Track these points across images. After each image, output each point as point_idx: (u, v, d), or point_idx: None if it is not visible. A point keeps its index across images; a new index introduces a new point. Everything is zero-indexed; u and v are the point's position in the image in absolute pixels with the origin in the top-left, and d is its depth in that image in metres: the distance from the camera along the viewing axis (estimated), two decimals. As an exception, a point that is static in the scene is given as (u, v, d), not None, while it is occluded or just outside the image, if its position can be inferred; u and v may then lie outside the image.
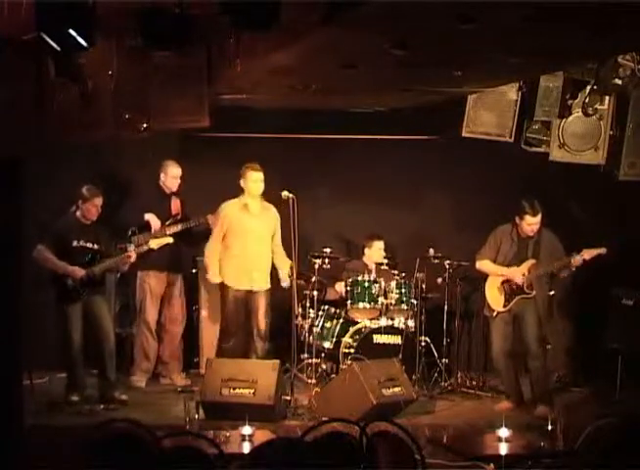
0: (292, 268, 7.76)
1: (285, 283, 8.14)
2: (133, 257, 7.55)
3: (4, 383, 6.18)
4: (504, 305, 7.59)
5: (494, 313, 7.63)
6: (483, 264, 7.73)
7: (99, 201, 7.45)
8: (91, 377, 7.65)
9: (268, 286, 8.12)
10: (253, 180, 7.96)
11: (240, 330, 8.13)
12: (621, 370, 7.93)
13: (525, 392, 7.70)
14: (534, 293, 7.50)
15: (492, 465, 5.16)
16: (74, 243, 7.36)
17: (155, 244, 7.80)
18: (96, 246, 7.43)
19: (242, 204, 8.05)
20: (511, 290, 7.56)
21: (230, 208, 8.07)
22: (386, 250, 8.69)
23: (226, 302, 8.09)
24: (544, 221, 7.53)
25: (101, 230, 7.54)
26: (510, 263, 7.61)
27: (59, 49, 5.33)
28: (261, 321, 8.06)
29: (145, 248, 7.73)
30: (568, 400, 7.71)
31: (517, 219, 7.54)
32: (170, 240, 7.94)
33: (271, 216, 8.12)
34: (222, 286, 8.13)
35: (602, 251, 7.42)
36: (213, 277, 8.11)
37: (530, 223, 7.46)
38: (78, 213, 7.45)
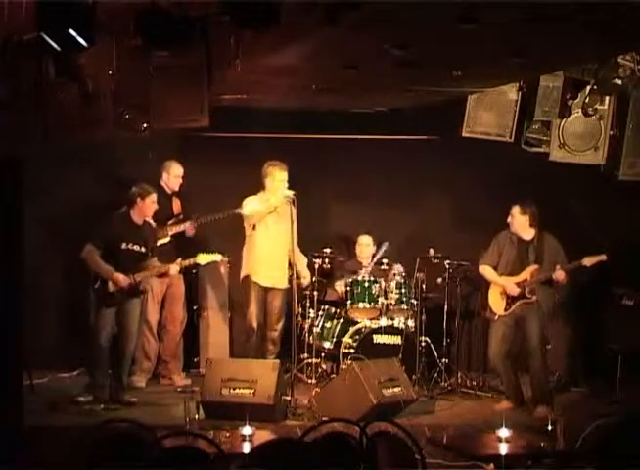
0: (292, 268, 7.74)
1: (305, 280, 8.08)
2: (174, 271, 7.53)
3: (4, 383, 6.19)
4: (505, 310, 7.61)
5: (496, 317, 7.66)
6: (484, 270, 7.78)
7: (154, 197, 7.45)
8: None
9: (287, 284, 8.01)
10: (280, 180, 7.87)
11: (259, 329, 8.10)
12: (621, 370, 7.93)
13: (525, 392, 7.71)
14: (535, 297, 7.51)
15: (492, 465, 5.17)
16: (123, 245, 7.33)
17: (202, 260, 7.59)
18: (143, 249, 7.42)
19: (266, 200, 7.96)
20: (512, 295, 7.59)
21: (254, 204, 7.96)
22: (381, 248, 8.70)
23: (250, 298, 8.00)
24: (542, 225, 7.57)
25: (149, 231, 7.54)
26: (512, 268, 7.63)
27: (59, 49, 5.33)
28: (276, 322, 7.99)
29: (192, 262, 7.61)
30: (568, 400, 7.71)
31: (508, 219, 7.60)
32: (219, 258, 7.74)
33: (289, 214, 7.89)
34: (247, 282, 8.04)
35: (602, 258, 7.44)
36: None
37: (516, 220, 7.53)
38: (132, 213, 7.42)
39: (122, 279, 7.25)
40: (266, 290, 8.05)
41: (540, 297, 7.54)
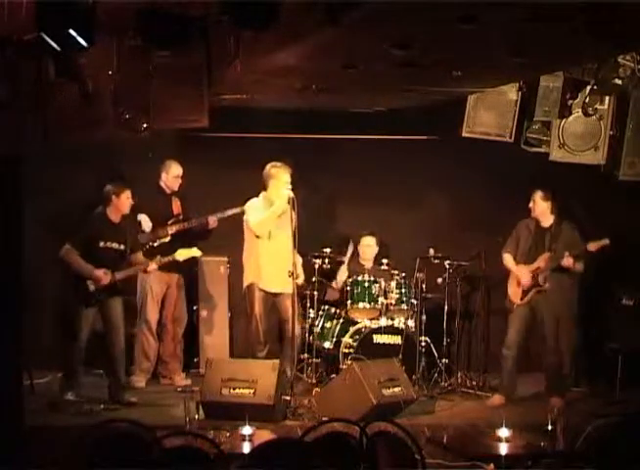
0: (294, 266, 7.66)
1: (299, 279, 7.83)
2: (153, 268, 7.56)
3: (4, 383, 6.18)
4: (521, 298, 7.70)
5: (514, 306, 7.76)
6: (505, 259, 7.90)
7: (129, 193, 7.46)
8: (95, 377, 7.69)
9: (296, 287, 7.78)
10: (283, 181, 7.72)
11: (272, 336, 8.00)
12: (621, 370, 7.94)
13: (519, 389, 7.82)
14: (547, 285, 7.56)
15: (492, 465, 5.18)
16: (101, 244, 7.35)
17: (181, 256, 7.67)
18: (122, 246, 7.44)
19: (268, 203, 7.85)
20: (525, 284, 7.67)
21: (257, 207, 7.87)
22: (384, 249, 8.69)
23: (255, 306, 7.84)
24: (562, 213, 7.72)
25: (128, 229, 7.55)
26: (527, 255, 7.75)
27: (59, 49, 5.33)
28: (293, 326, 7.73)
29: (171, 259, 7.66)
30: (568, 400, 7.71)
31: (530, 204, 7.73)
32: (198, 253, 7.80)
33: (289, 215, 7.81)
34: (251, 289, 7.89)
35: (606, 242, 7.48)
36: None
37: (538, 205, 7.66)
38: (108, 211, 7.44)
39: (103, 276, 7.26)
40: (275, 295, 7.92)
41: (552, 287, 7.59)
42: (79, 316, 7.31)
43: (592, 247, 7.52)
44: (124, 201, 7.45)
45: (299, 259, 7.98)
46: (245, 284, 7.97)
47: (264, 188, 7.95)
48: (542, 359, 7.84)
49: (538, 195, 7.72)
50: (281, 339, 8.01)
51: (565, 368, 7.84)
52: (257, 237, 7.84)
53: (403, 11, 4.81)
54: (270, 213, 7.76)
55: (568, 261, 7.50)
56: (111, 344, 7.44)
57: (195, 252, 7.79)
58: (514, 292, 7.80)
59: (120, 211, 7.47)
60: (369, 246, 8.64)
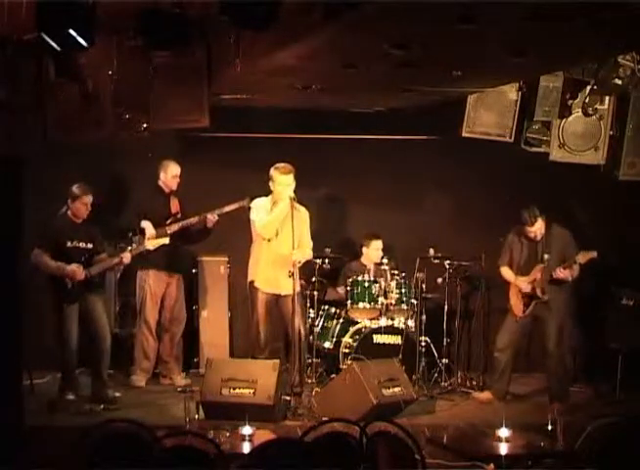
0: (294, 266, 7.62)
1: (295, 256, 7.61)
2: (128, 259, 7.57)
3: (4, 383, 6.18)
4: (524, 311, 7.67)
5: (517, 318, 7.71)
6: (503, 271, 7.86)
7: (88, 199, 7.43)
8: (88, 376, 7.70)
9: (298, 289, 7.67)
10: (282, 184, 7.63)
11: (274, 339, 7.96)
12: (621, 370, 7.94)
13: (520, 389, 7.83)
14: (546, 297, 7.54)
15: (492, 465, 5.18)
16: (69, 244, 7.35)
17: (151, 244, 7.75)
18: (90, 245, 7.44)
19: (271, 204, 7.78)
20: (527, 295, 7.65)
21: (261, 206, 7.80)
22: (384, 249, 8.69)
23: (257, 307, 7.77)
24: (551, 219, 7.61)
25: (93, 229, 7.54)
26: (523, 268, 7.71)
27: (59, 49, 5.34)
28: (300, 328, 7.67)
29: (142, 249, 7.70)
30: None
31: (533, 231, 7.60)
32: (167, 241, 7.86)
33: (300, 218, 7.80)
34: (252, 289, 7.84)
35: (593, 254, 7.44)
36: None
37: (531, 231, 7.58)
38: (69, 213, 7.44)
39: (77, 270, 7.26)
40: (278, 297, 7.83)
41: (552, 296, 7.57)
42: (64, 317, 7.31)
43: (581, 259, 7.47)
44: (80, 206, 7.40)
45: (309, 254, 7.91)
46: (248, 285, 7.94)
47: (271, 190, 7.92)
48: (543, 363, 7.81)
49: (542, 223, 7.51)
50: (286, 340, 8.00)
51: (567, 373, 7.82)
52: (263, 238, 7.83)
53: (403, 11, 4.81)
54: (273, 217, 7.72)
55: (561, 274, 7.47)
56: (97, 341, 7.44)
57: (164, 240, 7.82)
58: (515, 304, 7.74)
59: (77, 217, 7.44)
60: (378, 249, 8.61)
